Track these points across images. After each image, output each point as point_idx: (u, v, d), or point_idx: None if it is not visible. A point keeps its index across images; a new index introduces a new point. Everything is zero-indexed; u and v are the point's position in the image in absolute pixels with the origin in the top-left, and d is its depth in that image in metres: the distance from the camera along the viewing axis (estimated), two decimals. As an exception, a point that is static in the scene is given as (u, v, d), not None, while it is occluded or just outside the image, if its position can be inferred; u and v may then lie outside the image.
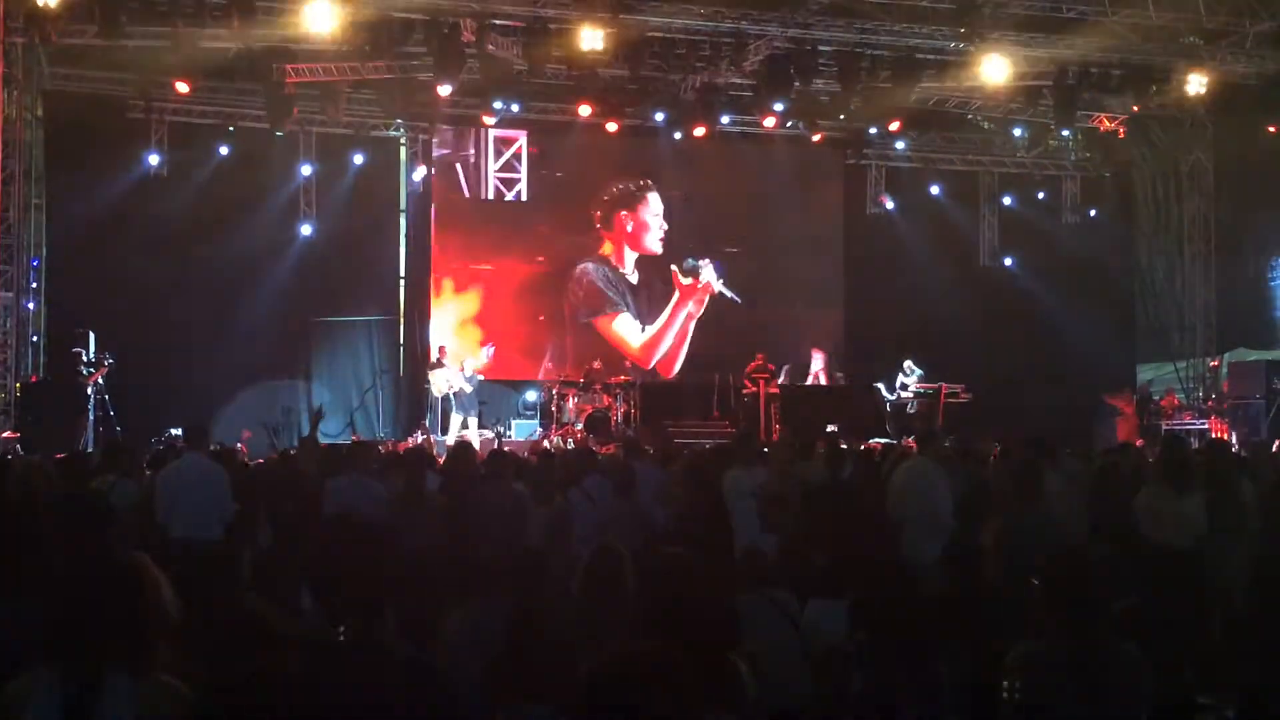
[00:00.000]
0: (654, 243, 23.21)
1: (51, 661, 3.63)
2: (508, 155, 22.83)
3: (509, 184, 22.91)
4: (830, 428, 20.67)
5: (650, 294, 23.34)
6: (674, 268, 23.20)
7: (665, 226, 23.16)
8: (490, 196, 23.14)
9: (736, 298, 23.23)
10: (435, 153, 22.99)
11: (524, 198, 22.99)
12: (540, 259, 22.85)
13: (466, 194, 22.86)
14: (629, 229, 23.40)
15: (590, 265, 23.39)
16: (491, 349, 22.21)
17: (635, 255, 23.35)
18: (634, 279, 23.37)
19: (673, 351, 23.17)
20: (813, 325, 25.38)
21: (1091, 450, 14.27)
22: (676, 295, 23.27)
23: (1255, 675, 5.26)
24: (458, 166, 22.86)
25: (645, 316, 23.29)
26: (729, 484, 10.19)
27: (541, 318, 22.80)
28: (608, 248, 23.53)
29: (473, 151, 22.63)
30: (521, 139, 22.72)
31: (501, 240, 22.99)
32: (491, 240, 22.98)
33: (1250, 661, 5.75)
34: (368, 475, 10.13)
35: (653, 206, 23.42)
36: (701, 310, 23.28)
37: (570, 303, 23.35)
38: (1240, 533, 8.22)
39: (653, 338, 23.02)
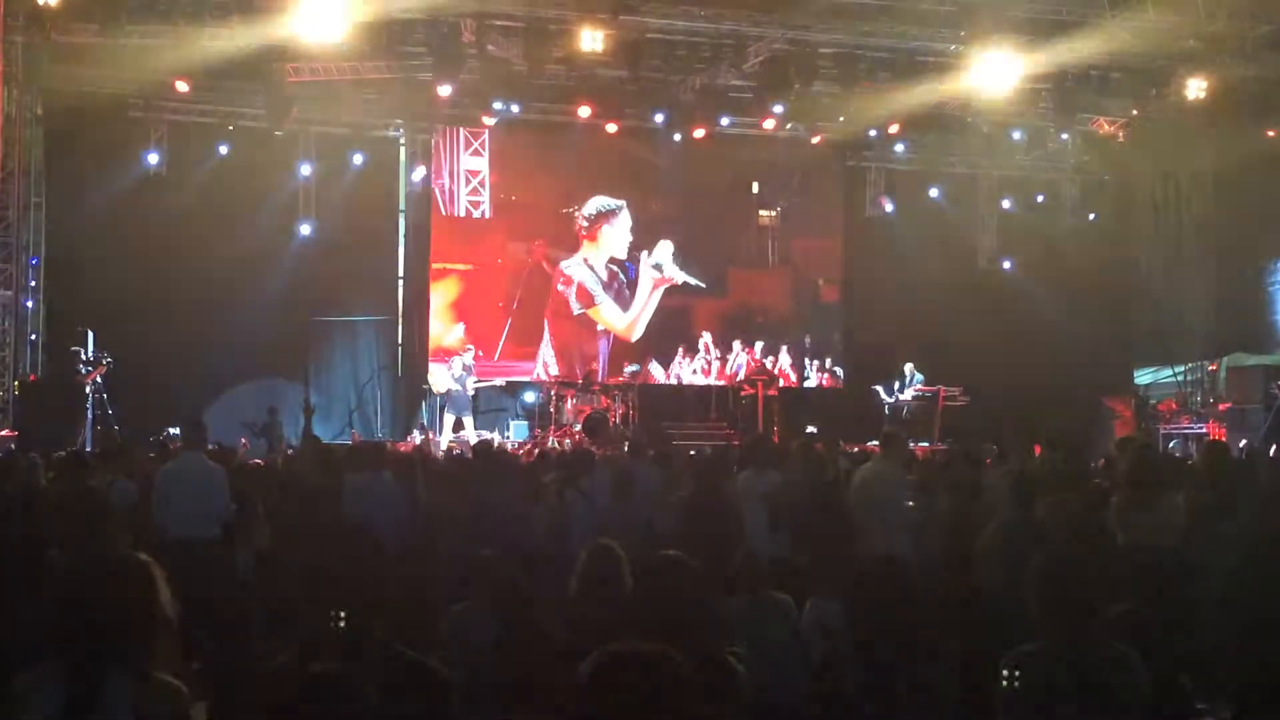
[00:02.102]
0: (622, 250, 25.34)
1: (52, 659, 3.64)
2: (474, 183, 24.93)
3: (475, 205, 25.00)
4: (810, 429, 20.75)
5: (618, 284, 25.41)
6: (646, 266, 25.33)
7: (631, 238, 25.33)
8: (462, 214, 24.87)
9: (701, 283, 25.28)
10: (420, 177, 24.37)
11: (487, 215, 25.03)
12: (499, 260, 25.00)
13: (444, 212, 24.76)
14: (607, 238, 25.30)
15: (574, 269, 25.17)
16: (463, 325, 24.22)
17: (607, 256, 25.25)
18: (605, 275, 25.30)
19: (644, 322, 25.67)
20: (809, 326, 25.64)
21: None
22: (650, 285, 25.36)
23: (1250, 678, 5.27)
24: (436, 190, 24.51)
25: (620, 301, 25.39)
26: (741, 486, 10.21)
27: (500, 304, 24.81)
28: (587, 250, 25.22)
29: (447, 179, 24.76)
30: (484, 171, 24.97)
31: (471, 246, 25.04)
32: (464, 246, 25.00)
33: (1245, 664, 5.76)
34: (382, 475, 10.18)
35: (624, 220, 25.30)
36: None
37: (562, 298, 25.06)
38: (1233, 535, 8.22)
39: (634, 319, 25.42)
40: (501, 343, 24.42)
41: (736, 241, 26.36)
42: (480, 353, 23.63)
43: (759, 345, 25.69)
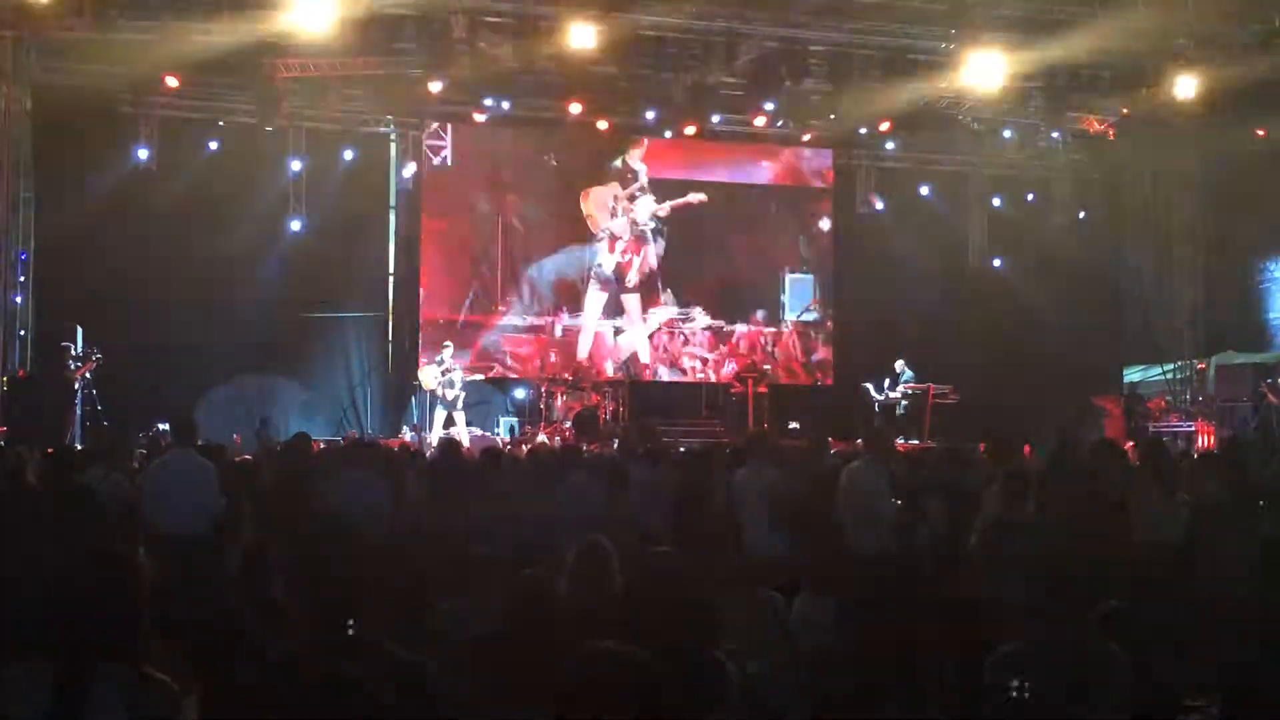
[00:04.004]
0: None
1: (42, 655, 3.64)
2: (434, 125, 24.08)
3: (435, 151, 24.08)
4: (792, 425, 20.79)
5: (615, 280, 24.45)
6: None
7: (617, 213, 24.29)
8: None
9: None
10: (411, 173, 23.81)
11: (449, 164, 24.11)
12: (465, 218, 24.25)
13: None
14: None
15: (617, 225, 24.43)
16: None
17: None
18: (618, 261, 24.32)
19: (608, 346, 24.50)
20: (801, 323, 25.72)
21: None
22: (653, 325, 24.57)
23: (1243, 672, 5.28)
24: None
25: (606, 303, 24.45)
26: (739, 483, 10.18)
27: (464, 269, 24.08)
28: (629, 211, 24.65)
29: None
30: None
31: (431, 200, 24.23)
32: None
33: (1240, 658, 5.76)
34: (370, 472, 10.18)
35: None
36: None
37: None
38: (1245, 530, 8.23)
39: (602, 334, 24.36)
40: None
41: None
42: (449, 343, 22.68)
43: (760, 313, 25.29)
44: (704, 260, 25.18)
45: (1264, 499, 8.88)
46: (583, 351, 23.70)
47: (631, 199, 24.34)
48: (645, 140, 24.32)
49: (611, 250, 24.25)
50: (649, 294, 24.59)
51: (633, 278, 24.36)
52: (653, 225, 24.49)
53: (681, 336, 24.76)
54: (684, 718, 3.58)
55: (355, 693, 3.36)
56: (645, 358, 24.18)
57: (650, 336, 24.41)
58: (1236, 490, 9.02)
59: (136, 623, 3.72)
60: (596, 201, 24.01)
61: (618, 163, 24.41)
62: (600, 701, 3.04)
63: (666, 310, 24.69)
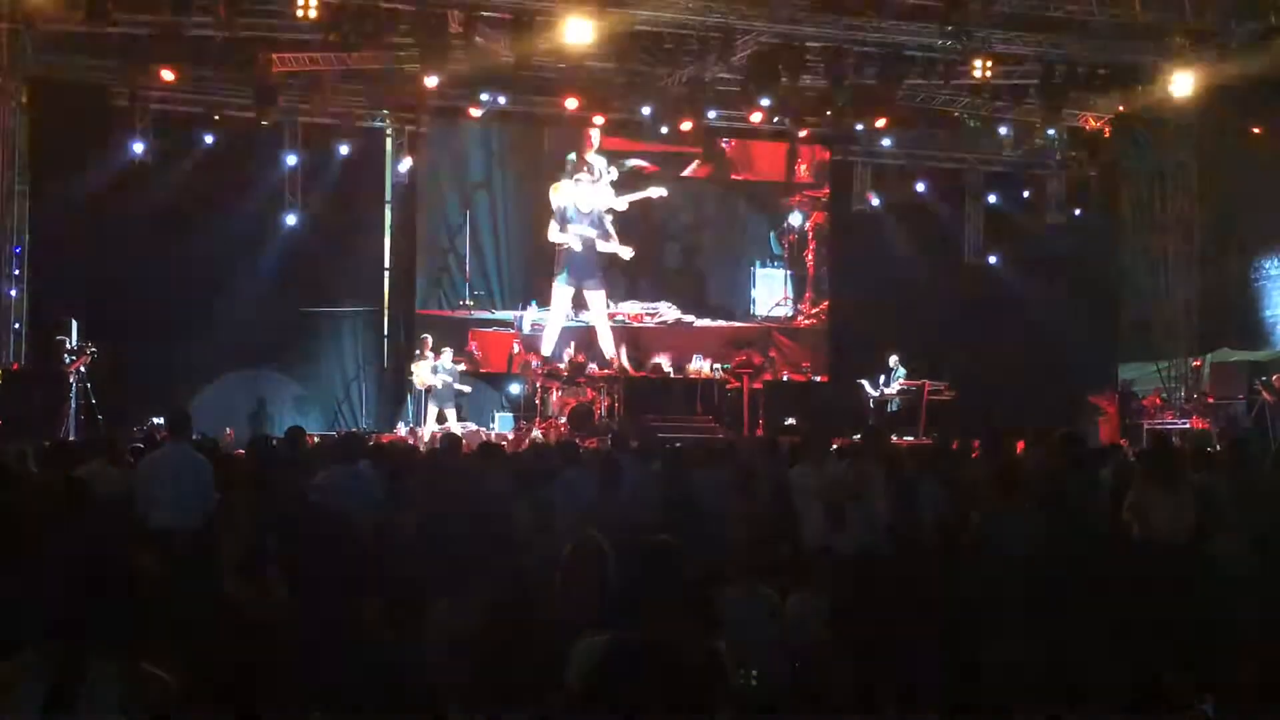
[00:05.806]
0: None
1: (37, 647, 3.63)
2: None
3: None
4: (789, 421, 20.80)
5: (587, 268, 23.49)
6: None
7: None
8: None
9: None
10: (406, 168, 23.60)
11: None
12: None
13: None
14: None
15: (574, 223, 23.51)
16: None
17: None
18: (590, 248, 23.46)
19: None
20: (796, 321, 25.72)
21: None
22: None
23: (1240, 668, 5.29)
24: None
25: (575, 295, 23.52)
26: (795, 482, 10.12)
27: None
28: (601, 196, 23.80)
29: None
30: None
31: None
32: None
33: (1237, 655, 5.77)
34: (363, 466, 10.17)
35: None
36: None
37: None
38: (1244, 530, 8.24)
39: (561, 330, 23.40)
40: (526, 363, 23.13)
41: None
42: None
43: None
44: (672, 254, 25.12)
45: (1263, 498, 8.88)
46: (547, 347, 23.07)
47: (589, 192, 23.58)
48: (597, 133, 23.61)
49: (575, 243, 23.29)
50: (614, 288, 24.05)
51: (596, 271, 23.51)
52: (610, 219, 23.65)
53: (650, 329, 24.49)
54: (680, 710, 3.58)
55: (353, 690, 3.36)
56: (609, 351, 23.41)
57: (615, 330, 23.81)
58: (1237, 490, 9.02)
59: (132, 618, 3.71)
60: (563, 195, 23.54)
61: (572, 156, 23.55)
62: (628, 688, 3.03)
63: (633, 304, 24.52)
